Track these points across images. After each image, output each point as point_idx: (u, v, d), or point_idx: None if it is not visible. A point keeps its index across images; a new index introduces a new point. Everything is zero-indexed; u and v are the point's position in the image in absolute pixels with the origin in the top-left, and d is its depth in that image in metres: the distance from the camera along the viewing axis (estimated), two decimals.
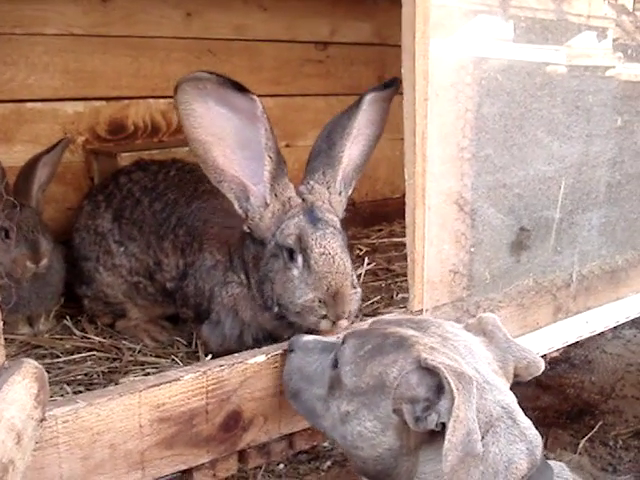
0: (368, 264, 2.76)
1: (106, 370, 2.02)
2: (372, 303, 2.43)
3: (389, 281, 2.70)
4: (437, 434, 1.21)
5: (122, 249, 2.28)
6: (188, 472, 1.58)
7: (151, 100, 2.92)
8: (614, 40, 2.27)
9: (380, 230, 3.47)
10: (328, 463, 2.65)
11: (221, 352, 1.80)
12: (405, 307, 1.90)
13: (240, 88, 1.70)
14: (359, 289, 1.81)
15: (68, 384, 1.92)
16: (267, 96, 3.24)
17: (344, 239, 1.82)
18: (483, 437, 1.21)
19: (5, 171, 2.19)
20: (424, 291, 1.86)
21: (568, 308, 2.28)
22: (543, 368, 1.43)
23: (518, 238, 2.09)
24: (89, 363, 2.06)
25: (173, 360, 2.05)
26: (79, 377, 1.98)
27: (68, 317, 2.34)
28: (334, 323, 1.72)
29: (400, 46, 1.74)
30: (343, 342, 1.43)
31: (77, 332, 2.27)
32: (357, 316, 1.94)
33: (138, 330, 2.30)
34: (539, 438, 1.30)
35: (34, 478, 1.32)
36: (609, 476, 2.67)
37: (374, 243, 3.24)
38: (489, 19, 1.92)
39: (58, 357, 2.10)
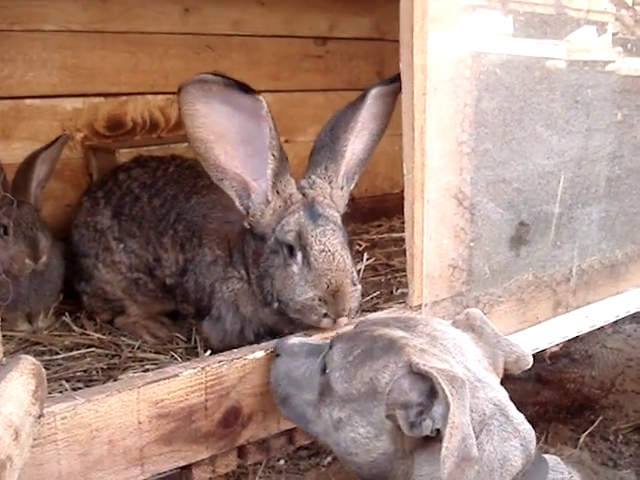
0: (367, 259, 2.76)
1: (105, 366, 2.02)
2: (372, 298, 2.43)
3: (389, 276, 2.70)
4: (432, 437, 1.21)
5: (121, 246, 2.28)
6: (187, 468, 1.57)
7: (150, 96, 2.92)
8: (614, 34, 2.26)
9: (379, 225, 3.47)
10: (328, 459, 2.65)
11: (222, 348, 1.80)
12: (404, 302, 1.90)
13: (246, 89, 1.70)
14: (359, 286, 1.81)
15: (67, 380, 1.92)
16: (266, 91, 3.20)
17: (344, 235, 1.81)
18: (477, 436, 1.20)
19: (4, 168, 2.18)
20: (423, 286, 1.85)
21: (568, 303, 2.27)
22: (532, 362, 1.43)
23: (517, 233, 2.08)
24: (88, 359, 2.06)
25: (172, 356, 2.05)
26: (78, 373, 1.98)
27: (67, 314, 2.34)
28: (335, 321, 1.72)
29: (399, 41, 1.74)
30: (331, 346, 1.41)
31: (76, 329, 2.27)
32: (358, 311, 1.93)
33: (137, 326, 2.30)
34: (532, 433, 1.30)
35: (33, 474, 1.32)
36: (610, 471, 2.67)
37: (373, 238, 3.24)
38: (488, 13, 1.91)
39: (57, 354, 2.10)
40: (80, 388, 1.83)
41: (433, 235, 1.84)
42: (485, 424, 1.24)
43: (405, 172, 1.78)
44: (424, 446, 1.25)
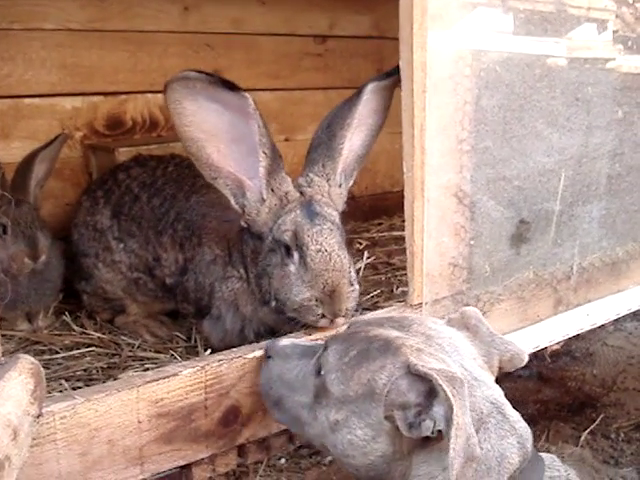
0: (368, 258, 2.75)
1: (105, 366, 2.02)
2: (372, 297, 2.42)
3: (389, 275, 2.70)
4: (430, 437, 1.20)
5: (121, 245, 2.27)
6: (187, 467, 1.57)
7: (149, 95, 2.91)
8: (614, 32, 2.25)
9: (380, 224, 3.47)
10: (329, 457, 2.64)
11: (222, 347, 1.79)
12: (405, 301, 1.89)
13: (231, 86, 1.69)
14: (357, 286, 1.80)
15: (67, 380, 1.92)
16: (266, 90, 3.24)
17: (342, 234, 1.80)
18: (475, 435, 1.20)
19: (3, 167, 2.18)
20: (423, 284, 1.85)
21: (569, 301, 2.27)
22: (526, 360, 1.43)
23: (518, 231, 2.08)
24: (88, 359, 2.06)
25: (172, 355, 2.05)
26: (78, 373, 1.98)
27: (67, 313, 2.34)
28: (332, 321, 1.71)
29: (399, 39, 1.73)
30: (325, 347, 1.39)
31: (76, 328, 2.27)
32: (357, 310, 1.93)
33: (137, 326, 2.30)
34: (528, 430, 1.29)
35: (32, 474, 1.32)
36: (611, 469, 2.67)
37: (374, 237, 3.23)
38: (488, 10, 1.91)
39: (57, 353, 2.10)
40: (80, 387, 1.83)
41: (433, 233, 1.84)
42: (483, 422, 1.23)
43: (405, 170, 1.78)
44: (422, 447, 1.24)
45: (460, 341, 1.36)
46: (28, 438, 1.20)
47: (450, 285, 1.93)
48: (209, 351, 1.89)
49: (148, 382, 1.45)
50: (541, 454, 1.33)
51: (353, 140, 1.94)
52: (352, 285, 1.76)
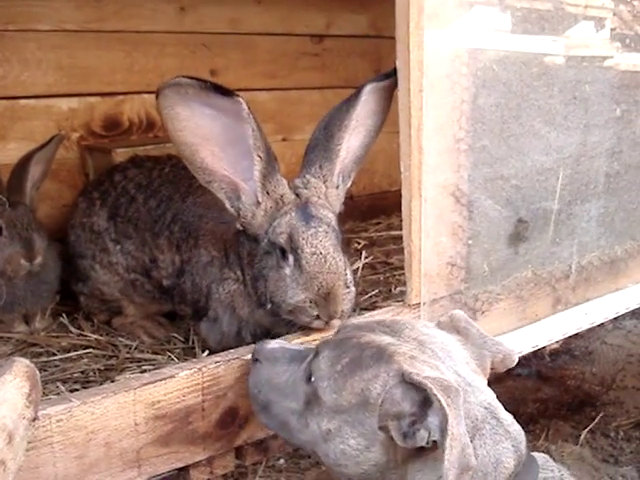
0: (366, 258, 2.75)
1: (102, 368, 2.00)
2: (370, 297, 2.42)
3: (387, 274, 2.69)
4: (425, 447, 1.19)
5: (118, 247, 2.26)
6: (185, 470, 1.56)
7: (146, 95, 2.90)
8: (612, 30, 2.25)
9: (378, 223, 3.46)
10: None
11: (220, 349, 1.78)
12: (403, 301, 1.89)
13: (223, 91, 1.68)
14: (353, 288, 1.79)
15: (64, 382, 1.91)
16: (262, 90, 3.24)
17: (338, 237, 1.78)
18: (471, 442, 1.18)
19: None
20: (421, 284, 1.84)
21: (567, 299, 2.27)
22: (517, 360, 1.42)
23: (516, 230, 2.08)
24: (85, 361, 2.05)
25: (170, 357, 2.04)
26: (75, 375, 1.97)
27: (64, 315, 2.33)
28: (327, 322, 1.71)
29: (395, 38, 1.72)
30: (317, 353, 1.37)
31: (73, 330, 2.25)
32: (354, 310, 1.92)
33: (135, 327, 2.29)
34: (522, 433, 1.29)
35: (29, 478, 1.31)
36: (610, 467, 2.67)
37: (372, 236, 3.22)
38: (485, 9, 1.90)
39: (54, 355, 2.08)
40: (77, 389, 1.83)
41: (431, 233, 1.83)
42: (478, 429, 1.23)
43: (402, 170, 1.77)
44: (417, 456, 1.23)
45: (452, 345, 1.35)
46: (24, 442, 1.19)
47: (448, 285, 1.92)
48: (206, 352, 1.89)
49: (145, 384, 1.45)
50: (535, 454, 1.33)
51: (351, 141, 1.93)
52: (348, 287, 1.75)
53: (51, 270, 2.31)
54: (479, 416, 1.23)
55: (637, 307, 2.51)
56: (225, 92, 1.68)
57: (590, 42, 2.21)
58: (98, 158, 2.72)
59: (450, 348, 1.33)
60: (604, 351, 3.58)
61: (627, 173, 2.41)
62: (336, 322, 1.70)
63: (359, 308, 2.17)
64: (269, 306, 1.78)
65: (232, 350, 1.62)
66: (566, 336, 2.27)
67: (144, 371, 1.91)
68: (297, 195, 1.82)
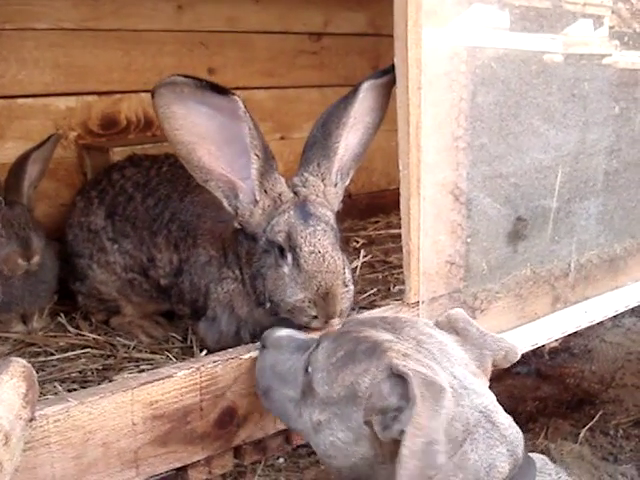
0: (365, 256, 2.74)
1: (100, 367, 2.00)
2: (369, 295, 2.41)
3: (386, 273, 2.69)
4: None
5: (116, 246, 2.26)
6: (183, 469, 1.56)
7: (143, 94, 2.89)
8: (610, 28, 2.25)
9: (377, 222, 3.45)
10: None
11: (218, 349, 1.78)
12: (402, 299, 1.88)
13: (219, 89, 1.68)
14: (351, 287, 1.78)
15: (62, 382, 1.90)
16: (260, 88, 3.23)
17: (336, 235, 1.78)
18: (461, 445, 1.18)
19: None
20: (420, 283, 1.84)
21: (566, 298, 2.26)
22: (520, 354, 1.41)
23: (515, 228, 2.07)
24: (83, 360, 2.04)
25: (168, 356, 2.03)
26: (73, 375, 1.96)
27: (62, 314, 2.33)
28: (325, 322, 1.70)
29: (393, 36, 1.72)
30: (317, 345, 1.38)
31: (71, 329, 2.25)
32: (353, 309, 1.91)
33: (133, 326, 2.29)
34: (520, 436, 1.27)
35: (26, 479, 1.30)
36: (610, 465, 2.67)
37: (371, 235, 3.22)
38: (483, 7, 1.90)
39: (52, 355, 2.08)
40: (75, 389, 1.82)
41: (429, 231, 1.83)
42: (469, 433, 1.21)
43: (401, 168, 1.77)
44: None
45: (451, 347, 1.33)
46: (20, 443, 1.18)
47: (447, 283, 1.92)
48: (205, 352, 1.88)
49: (143, 384, 1.44)
50: (534, 455, 1.31)
51: (349, 139, 1.92)
52: (346, 286, 1.75)
53: (49, 269, 2.30)
54: (472, 420, 1.22)
55: (636, 305, 2.51)
56: (221, 90, 1.68)
57: (589, 40, 2.20)
58: (96, 157, 2.71)
59: (448, 349, 1.32)
60: (603, 349, 3.58)
61: (626, 171, 2.41)
62: (335, 322, 1.70)
63: (358, 307, 2.16)
64: (268, 305, 1.77)
65: (230, 350, 1.62)
66: (565, 334, 2.26)
67: (142, 371, 1.91)
68: (295, 193, 1.81)
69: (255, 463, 2.53)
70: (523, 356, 1.52)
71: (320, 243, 1.71)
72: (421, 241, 1.81)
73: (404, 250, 1.82)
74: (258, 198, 1.78)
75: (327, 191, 1.87)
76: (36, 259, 2.18)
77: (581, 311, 2.31)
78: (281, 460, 2.70)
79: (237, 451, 1.68)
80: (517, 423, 1.30)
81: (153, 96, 1.67)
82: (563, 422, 2.92)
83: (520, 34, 1.98)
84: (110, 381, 1.80)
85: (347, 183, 1.96)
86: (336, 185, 1.91)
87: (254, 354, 1.58)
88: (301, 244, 1.70)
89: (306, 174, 1.86)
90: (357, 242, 3.06)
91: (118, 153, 2.57)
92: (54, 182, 2.71)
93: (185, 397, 1.50)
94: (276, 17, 3.25)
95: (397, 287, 2.47)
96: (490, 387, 1.34)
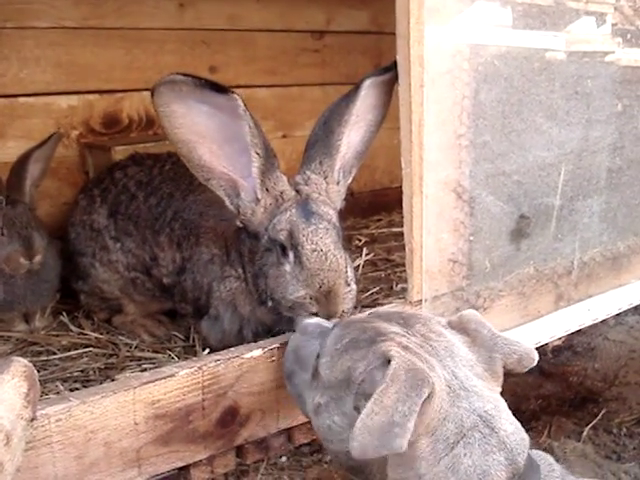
0: (367, 254, 2.74)
1: (102, 366, 2.00)
2: (371, 294, 2.41)
3: (388, 271, 2.68)
4: None
5: (118, 245, 2.26)
6: (185, 469, 1.56)
7: (145, 92, 2.85)
8: (613, 25, 2.25)
9: (379, 220, 3.45)
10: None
11: (220, 347, 1.77)
12: (404, 298, 1.87)
13: (219, 88, 1.67)
14: (354, 286, 1.78)
15: (64, 381, 1.91)
16: (262, 87, 3.22)
17: (339, 233, 1.78)
18: (453, 447, 1.17)
19: None
20: (423, 281, 1.83)
21: (570, 296, 2.25)
22: (537, 359, 1.37)
23: (518, 226, 2.06)
24: (85, 359, 2.05)
25: (170, 355, 2.03)
26: (75, 374, 1.97)
27: (65, 313, 2.33)
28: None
29: (396, 33, 1.71)
30: (331, 331, 1.41)
31: (74, 328, 2.25)
32: (355, 308, 1.91)
33: (135, 325, 2.29)
34: (524, 443, 1.24)
35: (28, 478, 1.31)
36: (613, 464, 2.66)
37: (373, 233, 3.22)
38: (485, 4, 1.89)
39: (54, 354, 2.08)
40: (77, 389, 1.82)
41: (432, 229, 1.82)
42: (463, 435, 1.19)
43: (403, 166, 1.76)
44: None
45: (458, 347, 1.32)
46: (21, 443, 1.18)
47: (450, 281, 1.91)
48: (207, 350, 1.88)
49: (144, 383, 1.44)
50: (540, 457, 1.28)
51: (351, 136, 1.91)
52: (348, 285, 1.74)
53: (51, 268, 2.30)
54: (467, 423, 1.20)
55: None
56: (220, 89, 1.67)
57: (591, 37, 2.20)
58: (98, 156, 2.71)
59: (454, 349, 1.31)
60: (606, 347, 3.56)
61: (629, 168, 2.40)
62: (334, 321, 1.69)
63: (360, 305, 2.15)
64: (270, 304, 1.77)
65: (232, 348, 1.61)
66: (568, 332, 2.26)
67: (144, 370, 1.90)
68: (297, 192, 1.81)
69: (257, 462, 2.53)
70: None
71: (322, 241, 1.70)
72: (424, 239, 1.80)
73: (407, 248, 1.82)
74: (260, 196, 1.78)
75: (329, 189, 1.87)
76: (38, 258, 2.17)
77: (584, 309, 2.30)
78: (284, 459, 2.69)
79: (239, 450, 1.68)
80: (520, 421, 1.28)
81: (153, 95, 1.67)
82: (566, 420, 2.90)
83: (523, 31, 1.98)
84: (112, 380, 1.79)
85: (349, 181, 1.96)
86: (338, 183, 1.90)
87: (256, 353, 1.58)
88: (303, 242, 1.70)
89: (308, 172, 1.86)
90: (359, 240, 3.06)
91: (120, 152, 2.56)
92: (56, 181, 2.71)
93: (187, 396, 1.49)
94: (278, 15, 3.25)
95: (400, 285, 2.46)
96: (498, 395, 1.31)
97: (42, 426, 1.31)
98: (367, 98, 1.90)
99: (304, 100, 3.38)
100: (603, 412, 2.92)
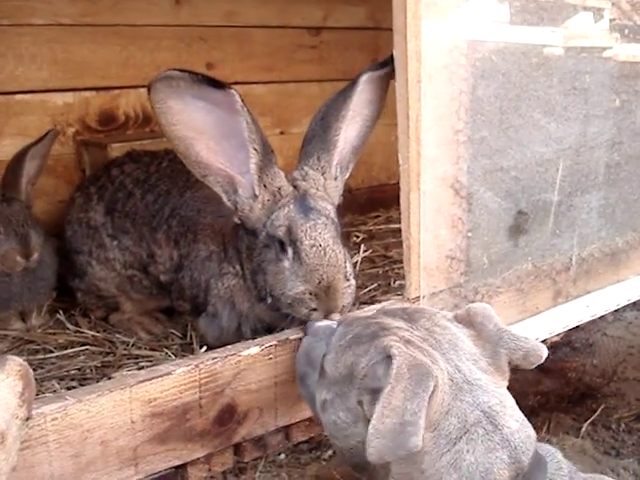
0: (365, 251, 2.73)
1: (99, 364, 2.00)
2: (369, 290, 2.41)
3: (386, 268, 2.68)
4: None
5: (115, 243, 2.25)
6: (182, 467, 1.55)
7: (141, 89, 2.87)
8: (611, 20, 2.24)
9: (377, 216, 3.45)
10: (329, 452, 2.63)
11: (219, 345, 1.76)
12: (402, 294, 1.87)
13: (216, 83, 1.67)
14: (353, 281, 1.78)
15: (61, 379, 1.90)
16: (259, 83, 3.21)
17: (337, 229, 1.77)
18: (455, 443, 1.17)
19: None
20: (420, 278, 1.83)
21: (568, 292, 2.25)
22: (545, 355, 1.35)
23: (516, 222, 2.06)
24: (82, 358, 2.04)
25: (167, 353, 2.02)
26: (72, 372, 1.96)
27: (61, 311, 2.32)
28: (325, 317, 1.69)
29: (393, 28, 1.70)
30: (336, 328, 1.41)
31: (70, 326, 2.25)
32: (354, 304, 1.90)
33: (132, 323, 2.28)
34: (529, 440, 1.22)
35: (24, 477, 1.30)
36: (612, 460, 2.66)
37: (371, 230, 3.21)
38: None
39: (51, 352, 2.08)
40: (74, 387, 1.82)
41: (430, 226, 1.82)
42: (466, 431, 1.18)
43: (400, 162, 1.75)
44: None
45: (462, 341, 1.30)
46: (17, 442, 1.17)
47: (447, 278, 1.90)
48: (204, 348, 1.87)
49: (141, 381, 1.43)
50: (548, 453, 1.26)
51: (348, 132, 1.91)
52: (348, 280, 1.74)
53: (47, 266, 2.30)
54: (471, 418, 1.19)
55: (638, 298, 2.49)
56: (217, 84, 1.66)
57: (589, 33, 2.19)
58: (94, 153, 2.70)
59: (458, 343, 1.29)
60: (605, 343, 3.56)
61: (627, 164, 2.39)
62: (335, 316, 1.69)
63: (358, 302, 2.15)
64: (269, 300, 1.76)
65: (229, 346, 1.60)
66: (567, 329, 2.25)
67: (141, 368, 1.90)
68: (295, 187, 1.80)
69: (256, 459, 2.52)
70: None
71: (321, 236, 1.70)
72: (421, 236, 1.80)
73: (404, 245, 1.81)
74: (257, 193, 1.77)
75: (327, 184, 1.86)
76: (35, 256, 2.17)
77: (583, 305, 2.30)
78: (282, 456, 2.69)
79: (237, 448, 1.67)
80: None
81: (149, 91, 1.66)
82: (565, 416, 2.90)
83: (520, 27, 1.97)
84: (109, 378, 1.78)
85: (347, 176, 1.96)
86: (336, 178, 1.90)
87: (254, 351, 1.58)
88: (302, 238, 1.69)
89: (306, 168, 1.85)
90: (357, 237, 3.06)
91: (116, 149, 2.56)
92: (52, 178, 2.70)
93: (184, 394, 1.49)
94: (275, 11, 3.24)
95: (397, 282, 2.46)
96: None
97: (38, 425, 1.30)
98: (363, 93, 1.89)
99: (301, 96, 3.37)
100: (602, 408, 2.92)
